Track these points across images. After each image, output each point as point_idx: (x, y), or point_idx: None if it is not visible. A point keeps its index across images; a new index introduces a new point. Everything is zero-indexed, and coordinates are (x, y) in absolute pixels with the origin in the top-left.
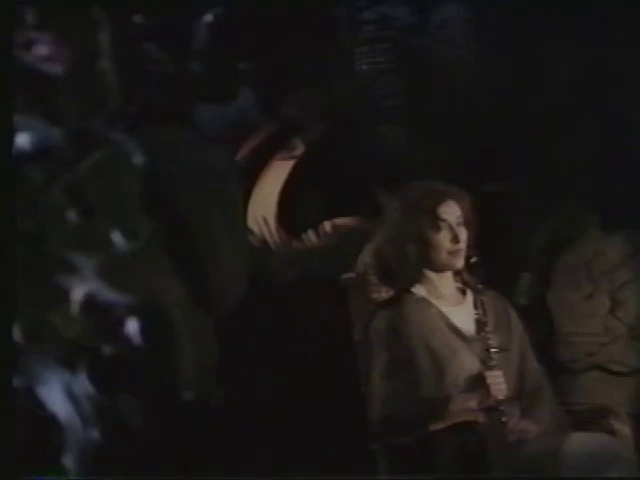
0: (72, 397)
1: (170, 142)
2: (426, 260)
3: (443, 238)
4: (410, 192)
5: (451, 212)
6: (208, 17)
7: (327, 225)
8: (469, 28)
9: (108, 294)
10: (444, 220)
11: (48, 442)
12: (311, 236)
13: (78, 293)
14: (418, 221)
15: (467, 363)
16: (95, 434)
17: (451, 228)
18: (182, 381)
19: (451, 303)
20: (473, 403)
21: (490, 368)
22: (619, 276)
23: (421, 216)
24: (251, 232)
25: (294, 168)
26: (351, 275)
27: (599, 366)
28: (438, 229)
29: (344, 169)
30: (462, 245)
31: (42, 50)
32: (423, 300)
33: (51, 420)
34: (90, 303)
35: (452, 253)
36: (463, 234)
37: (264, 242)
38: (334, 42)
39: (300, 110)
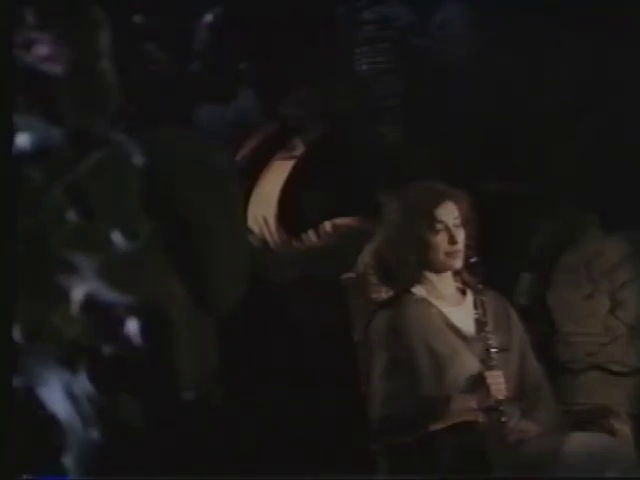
0: (72, 397)
1: (170, 142)
2: (425, 261)
3: (441, 240)
4: (409, 193)
5: (449, 213)
6: (208, 17)
7: (327, 225)
8: (469, 28)
9: (108, 294)
10: (442, 222)
11: (48, 442)
12: (311, 236)
13: (78, 293)
14: (416, 223)
15: (467, 363)
16: (95, 434)
17: (448, 229)
18: (182, 381)
19: (451, 303)
20: (473, 403)
21: (490, 368)
22: (619, 276)
23: (419, 218)
24: (251, 232)
25: (294, 168)
26: (351, 275)
27: (599, 366)
28: (436, 231)
29: (344, 169)
30: (460, 246)
31: (42, 50)
32: (423, 300)
33: (51, 420)
34: (90, 303)
35: (450, 254)
36: (461, 235)
37: (264, 242)
38: (334, 42)
39: (300, 110)
